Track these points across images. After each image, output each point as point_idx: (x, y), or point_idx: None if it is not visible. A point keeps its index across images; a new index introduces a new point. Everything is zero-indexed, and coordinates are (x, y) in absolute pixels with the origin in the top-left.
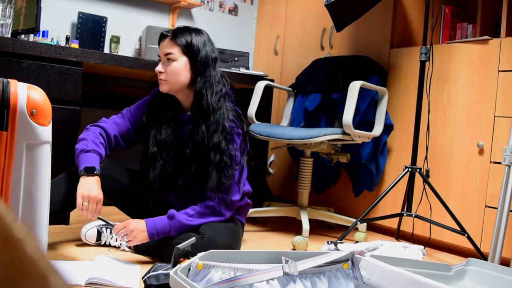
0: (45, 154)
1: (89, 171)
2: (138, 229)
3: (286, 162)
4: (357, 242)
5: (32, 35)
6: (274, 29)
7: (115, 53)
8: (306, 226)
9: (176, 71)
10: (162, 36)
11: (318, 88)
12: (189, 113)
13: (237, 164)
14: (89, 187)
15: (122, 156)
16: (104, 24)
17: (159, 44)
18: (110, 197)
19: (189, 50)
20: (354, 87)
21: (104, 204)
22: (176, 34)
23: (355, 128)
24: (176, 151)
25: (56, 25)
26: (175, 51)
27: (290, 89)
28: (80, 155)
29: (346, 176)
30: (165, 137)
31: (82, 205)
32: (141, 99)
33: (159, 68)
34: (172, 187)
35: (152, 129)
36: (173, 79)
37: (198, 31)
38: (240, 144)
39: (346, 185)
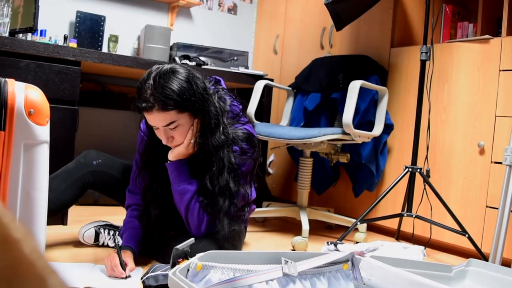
0: (43, 154)
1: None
2: None
3: (286, 162)
4: (357, 242)
5: (30, 34)
6: (273, 28)
7: (114, 53)
8: (305, 226)
9: (184, 131)
10: (146, 109)
11: (318, 88)
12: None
13: (248, 198)
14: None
15: (122, 154)
16: (102, 23)
17: (142, 113)
18: (108, 191)
19: (184, 104)
20: (354, 87)
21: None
22: (162, 101)
23: (355, 127)
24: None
25: (54, 24)
26: (172, 117)
27: (290, 88)
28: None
29: (346, 176)
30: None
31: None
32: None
33: (165, 142)
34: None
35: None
36: (187, 139)
37: (174, 75)
38: (251, 170)
39: (346, 185)
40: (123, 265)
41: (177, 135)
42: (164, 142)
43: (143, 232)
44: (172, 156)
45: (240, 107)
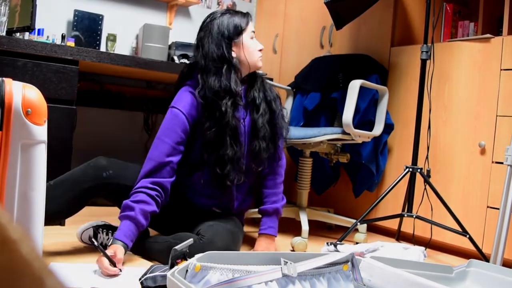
0: (41, 154)
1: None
2: None
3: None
4: (357, 243)
5: (27, 33)
6: (272, 27)
7: (112, 52)
8: (305, 227)
9: None
10: (250, 16)
11: (318, 87)
12: (245, 77)
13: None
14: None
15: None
16: (100, 22)
17: (246, 24)
18: (117, 201)
19: None
20: (354, 86)
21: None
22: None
23: (355, 127)
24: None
25: (52, 23)
26: None
27: (289, 88)
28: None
29: (346, 176)
30: (232, 120)
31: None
32: (173, 118)
33: (262, 45)
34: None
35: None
36: None
37: None
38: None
39: (346, 186)
40: (113, 263)
41: None
42: (261, 47)
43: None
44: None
45: None
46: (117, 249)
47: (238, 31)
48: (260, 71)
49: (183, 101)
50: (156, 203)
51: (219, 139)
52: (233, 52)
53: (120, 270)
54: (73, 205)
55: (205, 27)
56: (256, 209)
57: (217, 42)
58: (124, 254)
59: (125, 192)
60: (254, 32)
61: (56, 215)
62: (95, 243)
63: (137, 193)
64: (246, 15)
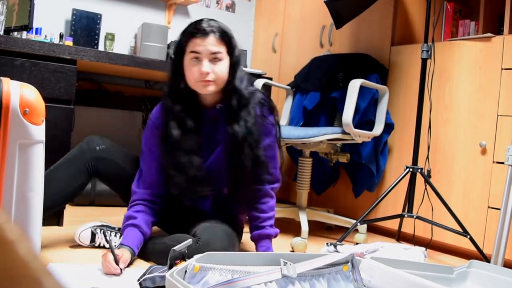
0: (38, 154)
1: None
2: None
3: (283, 162)
4: (357, 243)
5: (25, 33)
6: (272, 26)
7: (110, 51)
8: (305, 227)
9: (224, 71)
10: (205, 33)
11: (317, 87)
12: (219, 105)
13: (273, 156)
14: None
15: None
16: (98, 21)
17: (191, 39)
18: (112, 182)
19: (232, 50)
20: (354, 86)
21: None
22: (222, 32)
23: (355, 127)
24: (206, 152)
25: (50, 22)
26: (223, 50)
27: (289, 87)
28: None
29: (346, 177)
30: (193, 141)
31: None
32: (146, 130)
33: (207, 68)
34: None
35: (171, 141)
36: (221, 79)
37: (227, 27)
38: (276, 132)
39: (346, 186)
40: (117, 261)
41: (218, 72)
42: (205, 69)
43: (145, 231)
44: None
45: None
46: (124, 252)
47: (179, 51)
48: (258, 71)
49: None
50: (155, 214)
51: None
52: (179, 75)
53: (121, 271)
54: (76, 181)
55: None
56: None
57: (171, 63)
58: (131, 259)
59: (116, 168)
60: (199, 53)
61: (63, 196)
62: (107, 237)
63: (136, 205)
64: (193, 32)
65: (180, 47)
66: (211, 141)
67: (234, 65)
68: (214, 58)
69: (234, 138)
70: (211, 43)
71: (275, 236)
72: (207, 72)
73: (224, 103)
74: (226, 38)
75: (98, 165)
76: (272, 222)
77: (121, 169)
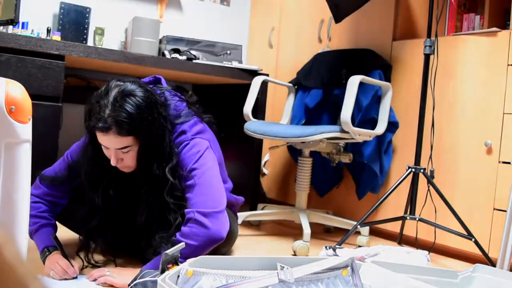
0: (25, 154)
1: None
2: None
3: (283, 162)
4: (359, 246)
5: (11, 27)
6: (268, 20)
7: (100, 46)
8: (307, 230)
9: (134, 159)
10: (104, 130)
11: (320, 84)
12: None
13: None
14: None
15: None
16: (87, 15)
17: (96, 131)
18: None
19: (142, 131)
20: (353, 82)
21: None
22: (121, 124)
23: (358, 125)
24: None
25: (37, 16)
26: (128, 142)
27: (291, 85)
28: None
29: (349, 178)
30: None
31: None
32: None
33: (114, 163)
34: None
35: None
36: (133, 165)
37: (135, 99)
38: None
39: (348, 187)
40: (71, 264)
41: (129, 159)
42: (113, 163)
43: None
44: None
45: (184, 104)
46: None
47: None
48: (255, 67)
49: None
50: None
51: None
52: (92, 144)
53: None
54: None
55: None
56: (251, 212)
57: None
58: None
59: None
60: (106, 147)
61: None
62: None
63: (37, 202)
64: (92, 126)
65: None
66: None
67: (147, 147)
68: (122, 152)
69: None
70: (113, 140)
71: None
72: (119, 162)
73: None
74: (126, 128)
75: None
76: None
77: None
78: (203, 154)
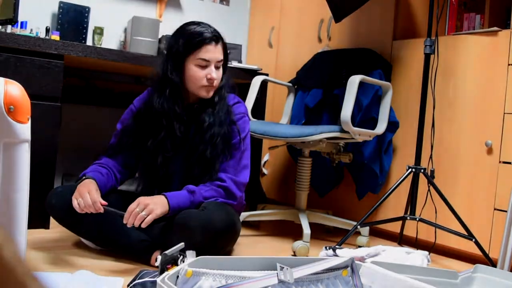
0: (24, 154)
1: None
2: (156, 201)
3: (283, 162)
4: (359, 246)
5: (9, 26)
6: (268, 19)
7: (99, 46)
8: (307, 230)
9: (220, 77)
10: (210, 40)
11: (320, 83)
12: (196, 105)
13: (245, 147)
14: (80, 189)
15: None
16: (86, 15)
17: (204, 46)
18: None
19: (226, 53)
20: (353, 82)
21: None
22: (223, 40)
23: (358, 125)
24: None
25: (36, 16)
26: (223, 57)
27: (290, 84)
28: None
29: (350, 178)
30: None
31: (78, 205)
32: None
33: (214, 75)
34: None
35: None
36: (218, 84)
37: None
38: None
39: (348, 187)
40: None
41: (219, 78)
42: (212, 76)
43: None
44: (154, 215)
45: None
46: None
47: (183, 54)
48: (254, 66)
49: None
50: (116, 180)
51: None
52: (176, 75)
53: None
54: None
55: (170, 37)
56: (251, 212)
57: (164, 59)
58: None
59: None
60: (208, 60)
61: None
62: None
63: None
64: (203, 39)
65: (186, 49)
66: (182, 139)
67: (225, 70)
68: (217, 66)
69: (200, 126)
70: (217, 52)
71: (193, 197)
72: (215, 79)
73: (200, 103)
74: (225, 44)
75: None
76: (202, 193)
77: None
78: (248, 133)
